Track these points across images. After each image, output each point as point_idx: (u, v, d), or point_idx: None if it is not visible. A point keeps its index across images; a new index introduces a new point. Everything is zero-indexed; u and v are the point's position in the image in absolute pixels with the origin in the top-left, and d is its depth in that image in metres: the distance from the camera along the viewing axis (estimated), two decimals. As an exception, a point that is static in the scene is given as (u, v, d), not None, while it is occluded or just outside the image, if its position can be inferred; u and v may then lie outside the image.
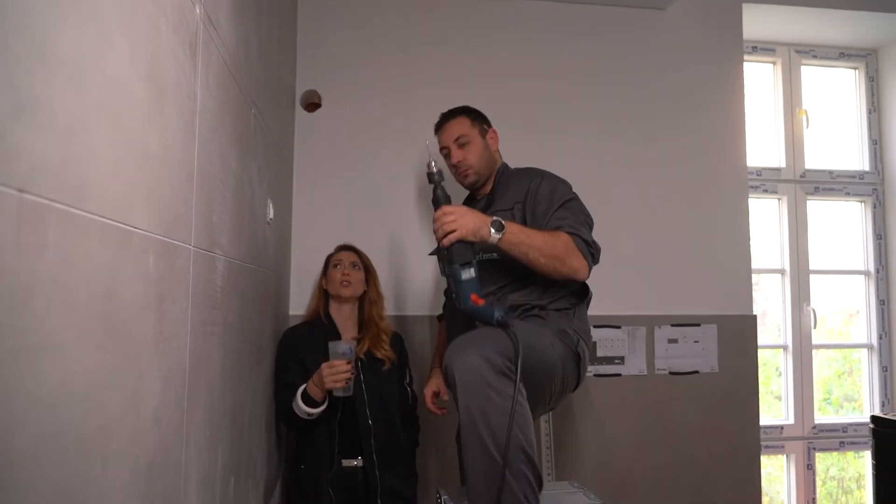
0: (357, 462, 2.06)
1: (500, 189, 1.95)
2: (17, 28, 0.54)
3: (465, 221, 1.58)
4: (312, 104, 2.54)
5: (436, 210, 1.64)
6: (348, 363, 1.90)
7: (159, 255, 0.90)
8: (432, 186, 1.68)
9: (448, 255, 1.61)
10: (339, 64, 2.61)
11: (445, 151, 2.01)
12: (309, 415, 1.97)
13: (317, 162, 2.57)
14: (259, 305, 1.80)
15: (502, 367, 1.44)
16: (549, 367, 1.60)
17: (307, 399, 1.96)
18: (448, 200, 1.66)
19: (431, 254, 1.75)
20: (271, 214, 1.91)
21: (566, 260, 1.67)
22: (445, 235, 1.59)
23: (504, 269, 1.77)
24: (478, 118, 2.02)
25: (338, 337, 2.14)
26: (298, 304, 2.46)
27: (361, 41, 2.64)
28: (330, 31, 2.62)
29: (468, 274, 1.61)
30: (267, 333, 1.96)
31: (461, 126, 1.98)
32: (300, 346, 2.10)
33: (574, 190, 1.87)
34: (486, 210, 1.87)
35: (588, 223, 1.80)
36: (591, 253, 1.73)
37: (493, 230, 1.59)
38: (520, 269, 1.72)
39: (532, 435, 1.48)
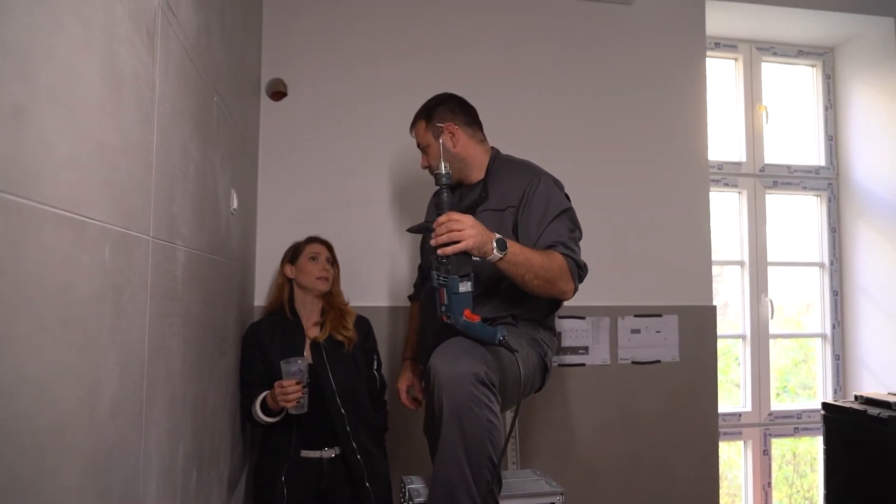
0: (324, 453, 2.06)
1: (493, 180, 1.87)
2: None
3: (473, 233, 1.50)
4: (278, 93, 2.51)
5: (439, 214, 1.55)
6: (298, 383, 1.90)
7: (116, 246, 0.89)
8: (438, 188, 1.58)
9: (447, 264, 1.53)
10: (305, 51, 2.58)
11: None
12: (266, 422, 2.01)
13: (282, 151, 2.54)
14: (222, 297, 1.78)
15: (484, 378, 1.46)
16: (524, 378, 1.59)
17: (265, 408, 1.99)
18: (454, 206, 1.58)
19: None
20: (235, 204, 1.89)
21: (557, 283, 1.66)
22: (449, 244, 1.51)
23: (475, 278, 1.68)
24: (432, 118, 1.91)
25: (302, 333, 2.13)
26: (263, 295, 2.44)
27: (329, 27, 2.61)
28: (296, 17, 2.58)
29: (465, 287, 1.53)
30: (231, 325, 1.94)
31: (419, 132, 1.94)
32: (264, 345, 2.09)
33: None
34: (479, 202, 1.84)
35: (579, 237, 1.79)
36: (580, 275, 1.74)
37: (496, 248, 1.54)
38: (488, 279, 1.71)
39: (501, 441, 1.51)
